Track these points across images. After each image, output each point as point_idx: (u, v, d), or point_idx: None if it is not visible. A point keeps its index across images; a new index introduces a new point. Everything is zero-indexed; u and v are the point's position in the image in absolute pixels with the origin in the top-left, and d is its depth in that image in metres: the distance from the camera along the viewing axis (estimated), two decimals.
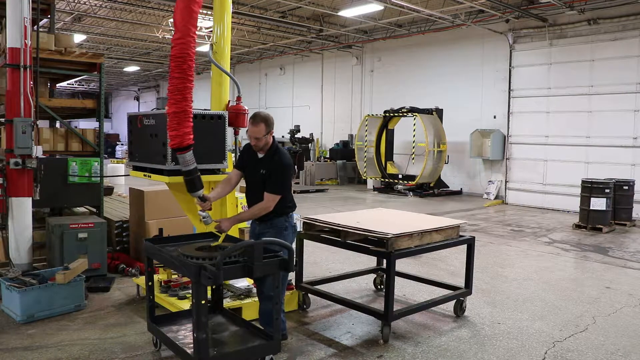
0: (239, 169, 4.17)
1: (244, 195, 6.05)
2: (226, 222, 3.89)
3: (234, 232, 4.83)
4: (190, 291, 3.83)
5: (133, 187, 6.61)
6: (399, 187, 15.65)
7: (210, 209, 3.91)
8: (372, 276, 5.87)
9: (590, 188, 10.07)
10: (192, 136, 3.65)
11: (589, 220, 9.97)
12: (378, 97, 18.38)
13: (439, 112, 15.26)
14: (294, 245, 4.18)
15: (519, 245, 8.55)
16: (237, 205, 5.04)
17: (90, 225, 5.63)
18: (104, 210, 6.71)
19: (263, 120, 3.91)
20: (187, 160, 3.68)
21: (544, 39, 13.30)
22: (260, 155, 4.04)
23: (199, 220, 3.98)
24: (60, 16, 16.28)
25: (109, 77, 31.24)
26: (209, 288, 4.08)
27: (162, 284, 4.82)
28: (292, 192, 4.30)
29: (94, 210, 6.68)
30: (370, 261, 6.04)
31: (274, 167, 3.93)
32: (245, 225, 5.62)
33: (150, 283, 3.87)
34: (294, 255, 3.42)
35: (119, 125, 38.48)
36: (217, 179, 4.71)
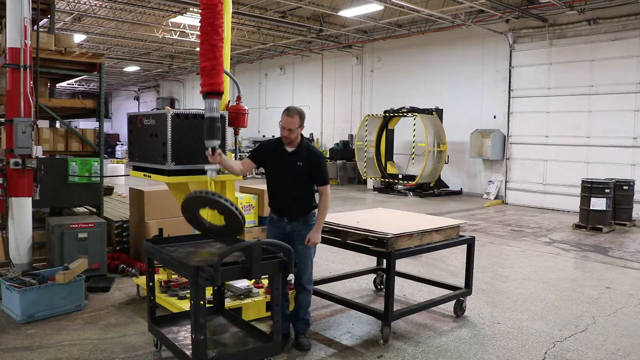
0: (253, 162, 4.13)
1: (244, 195, 6.08)
2: (316, 234, 3.97)
3: None
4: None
5: (133, 187, 6.61)
6: (399, 187, 15.64)
7: (218, 164, 3.93)
8: (372, 276, 5.87)
9: (590, 188, 10.07)
10: (223, 87, 3.98)
11: (589, 220, 9.97)
12: (378, 97, 18.38)
13: (439, 112, 15.26)
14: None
15: (518, 245, 8.55)
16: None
17: (90, 225, 5.63)
18: (104, 210, 6.71)
19: (298, 113, 3.99)
20: (214, 108, 3.89)
21: (544, 39, 13.30)
22: (290, 149, 4.06)
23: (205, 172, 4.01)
24: (60, 16, 16.28)
25: (109, 77, 31.24)
26: (210, 288, 4.10)
27: (162, 284, 4.82)
28: None
29: (94, 210, 6.68)
30: (370, 261, 6.04)
31: (316, 160, 4.03)
32: (245, 225, 5.62)
33: (151, 284, 3.87)
34: (294, 257, 3.42)
35: (119, 125, 38.47)
36: (217, 179, 4.70)
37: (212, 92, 3.94)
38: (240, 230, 3.68)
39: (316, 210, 4.12)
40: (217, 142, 3.91)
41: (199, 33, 4.00)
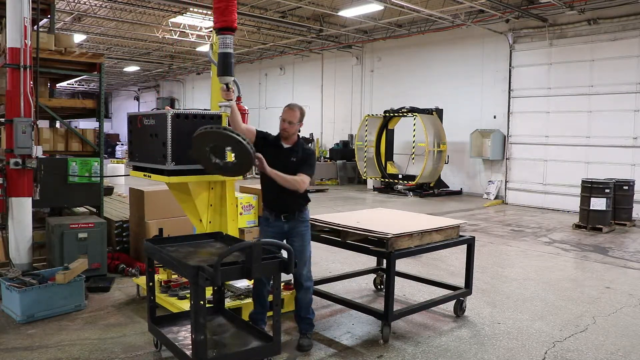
0: (257, 136, 4.13)
1: (244, 195, 6.07)
2: (265, 167, 3.94)
3: (233, 232, 4.84)
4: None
5: (133, 187, 6.61)
6: (399, 187, 15.64)
7: (231, 100, 3.99)
8: (372, 276, 5.87)
9: (590, 188, 10.07)
10: (236, 24, 4.02)
11: (589, 220, 9.97)
12: (378, 97, 18.38)
13: (439, 112, 15.26)
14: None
15: (519, 245, 8.55)
16: (237, 205, 5.04)
17: (90, 225, 5.63)
18: (104, 210, 6.70)
19: (299, 108, 4.15)
20: (228, 43, 3.95)
21: (544, 39, 13.30)
22: (286, 145, 4.14)
23: (219, 109, 4.04)
24: (60, 16, 16.28)
25: (109, 77, 31.24)
26: (210, 288, 4.10)
27: (162, 284, 4.82)
28: None
29: (94, 210, 6.68)
30: (370, 261, 6.04)
31: (307, 154, 4.16)
32: (246, 225, 5.64)
33: (151, 284, 3.87)
34: (294, 257, 3.42)
35: (119, 125, 38.47)
36: (217, 178, 4.71)
37: (225, 27, 3.99)
38: (250, 163, 3.75)
39: (308, 206, 4.22)
40: (231, 79, 4.01)
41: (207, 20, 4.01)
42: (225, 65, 3.97)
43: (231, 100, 4.00)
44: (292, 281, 4.28)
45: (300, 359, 3.96)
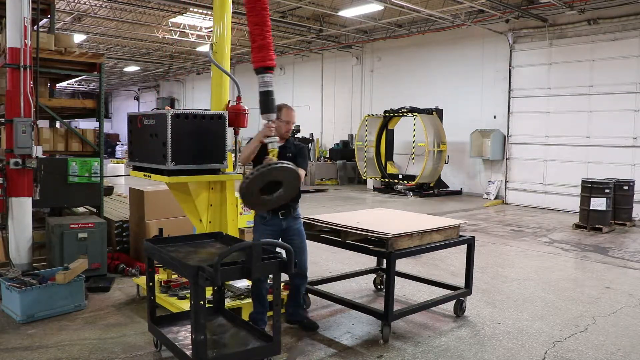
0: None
1: None
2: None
3: (233, 232, 4.84)
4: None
5: (133, 187, 6.61)
6: (399, 187, 15.64)
7: (273, 135, 4.06)
8: (372, 276, 5.87)
9: (590, 188, 10.07)
10: (274, 61, 4.15)
11: (589, 220, 9.97)
12: (378, 97, 18.38)
13: (439, 112, 15.25)
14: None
15: (519, 245, 8.55)
16: (237, 205, 5.04)
17: (90, 225, 5.63)
18: (104, 210, 6.70)
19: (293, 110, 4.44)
20: (267, 82, 4.09)
21: (544, 39, 13.30)
22: (280, 144, 4.27)
23: (265, 141, 4.07)
24: (60, 16, 16.27)
25: (109, 77, 31.24)
26: (210, 288, 4.10)
27: (162, 284, 4.82)
28: None
29: (94, 210, 6.68)
30: (370, 261, 6.04)
31: (299, 147, 4.40)
32: (246, 225, 5.63)
33: (151, 284, 3.87)
34: (294, 257, 3.42)
35: (119, 125, 38.48)
36: (217, 179, 4.71)
37: (264, 67, 4.10)
38: (297, 177, 3.96)
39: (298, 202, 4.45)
40: (273, 115, 4.13)
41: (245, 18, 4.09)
42: (266, 103, 4.09)
43: (274, 135, 4.07)
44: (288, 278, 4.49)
45: (301, 358, 3.96)
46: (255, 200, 3.87)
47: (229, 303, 4.44)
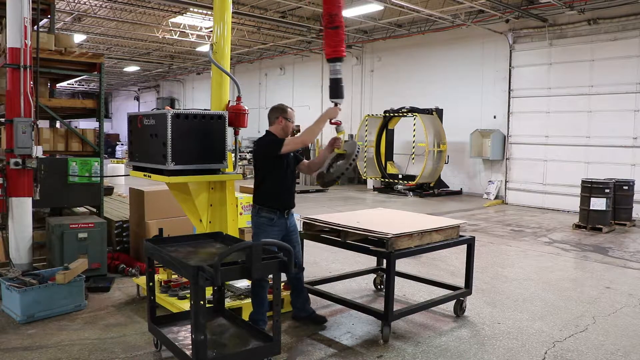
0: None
1: (244, 195, 6.07)
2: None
3: (233, 232, 4.84)
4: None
5: (133, 187, 6.61)
6: (399, 187, 15.64)
7: (338, 121, 4.47)
8: (372, 276, 5.87)
9: (590, 188, 10.07)
10: (344, 50, 4.47)
11: (589, 220, 9.97)
12: (378, 97, 18.38)
13: (439, 112, 15.26)
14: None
15: (519, 245, 8.55)
16: (237, 205, 5.05)
17: (90, 225, 5.63)
18: (104, 210, 6.70)
19: None
20: (337, 70, 4.43)
21: (544, 39, 13.30)
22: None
23: (332, 126, 4.49)
24: (60, 16, 16.28)
25: (109, 77, 31.24)
26: (210, 288, 4.10)
27: (162, 284, 4.82)
28: None
29: (94, 210, 6.68)
30: (370, 261, 6.04)
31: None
32: (246, 225, 5.64)
33: (151, 284, 3.87)
34: (293, 257, 3.42)
35: (119, 125, 38.47)
36: (217, 179, 4.71)
37: (336, 58, 4.42)
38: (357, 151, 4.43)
39: None
40: (341, 100, 4.49)
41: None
42: (336, 89, 4.48)
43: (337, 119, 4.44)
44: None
45: (301, 358, 3.96)
46: (328, 177, 4.44)
47: (229, 303, 4.44)
